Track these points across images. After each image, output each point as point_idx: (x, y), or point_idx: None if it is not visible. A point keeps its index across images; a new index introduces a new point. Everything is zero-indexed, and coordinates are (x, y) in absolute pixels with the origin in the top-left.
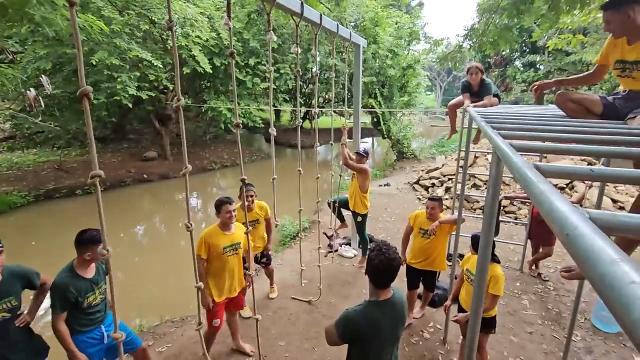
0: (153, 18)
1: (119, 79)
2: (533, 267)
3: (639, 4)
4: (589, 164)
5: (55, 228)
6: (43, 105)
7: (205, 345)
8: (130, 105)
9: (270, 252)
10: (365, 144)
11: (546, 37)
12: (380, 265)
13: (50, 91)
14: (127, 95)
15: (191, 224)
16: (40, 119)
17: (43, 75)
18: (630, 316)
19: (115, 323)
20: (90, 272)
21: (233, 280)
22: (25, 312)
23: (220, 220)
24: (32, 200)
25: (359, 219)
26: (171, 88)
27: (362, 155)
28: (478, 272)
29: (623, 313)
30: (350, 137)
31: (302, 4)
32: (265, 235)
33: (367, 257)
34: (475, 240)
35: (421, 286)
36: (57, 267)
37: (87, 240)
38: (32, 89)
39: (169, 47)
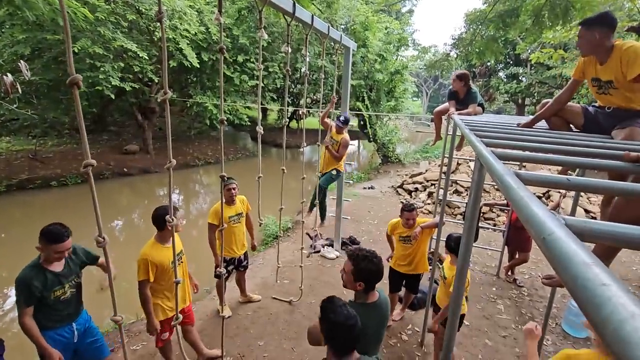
0: (140, 8)
1: (101, 69)
2: (509, 273)
3: (606, 27)
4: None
5: (26, 220)
6: (20, 92)
7: (166, 357)
8: (112, 96)
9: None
10: (351, 146)
11: (529, 50)
12: (371, 272)
13: (29, 77)
14: (109, 86)
15: (173, 219)
16: (16, 105)
17: (22, 61)
18: (600, 315)
19: (114, 304)
20: (58, 266)
21: (184, 292)
22: None
23: (159, 233)
24: (3, 190)
25: (335, 172)
26: (156, 80)
27: (345, 124)
28: (457, 274)
29: (593, 312)
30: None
31: (294, 3)
32: (247, 233)
33: (354, 262)
34: (449, 240)
35: (403, 288)
36: (27, 261)
37: (43, 236)
38: (8, 74)
39: (155, 39)
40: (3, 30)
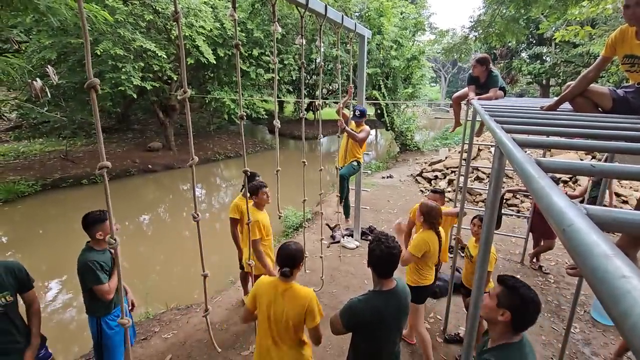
0: (157, 8)
1: (123, 69)
2: (534, 260)
3: None
4: (593, 157)
5: (61, 217)
6: (49, 96)
7: None
8: (134, 95)
9: None
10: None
11: (553, 28)
12: (382, 254)
13: (56, 81)
14: (131, 86)
15: (198, 214)
16: (46, 108)
17: (49, 66)
18: (619, 308)
19: (122, 305)
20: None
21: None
22: (28, 353)
23: (255, 202)
24: (39, 189)
25: (355, 163)
26: (175, 78)
27: (362, 117)
28: (479, 265)
29: (613, 305)
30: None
31: None
32: None
33: (368, 247)
34: (478, 217)
35: None
36: (63, 255)
37: (94, 221)
38: (37, 79)
39: (172, 37)
40: (30, 36)
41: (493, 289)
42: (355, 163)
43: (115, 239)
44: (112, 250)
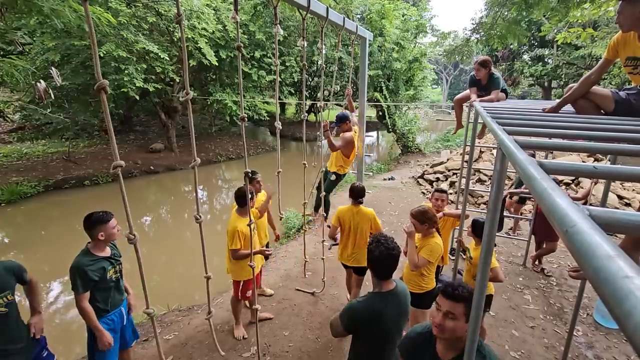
0: (160, 10)
1: (125, 71)
2: (536, 263)
3: None
4: (595, 160)
5: (64, 218)
6: (53, 97)
7: (235, 312)
8: (137, 97)
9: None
10: (370, 137)
11: (555, 30)
12: (380, 255)
13: (60, 83)
14: (133, 87)
15: (200, 216)
16: (49, 110)
17: (52, 67)
18: (622, 308)
19: (147, 298)
20: (106, 252)
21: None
22: (34, 319)
23: (240, 209)
24: (41, 190)
25: (333, 177)
26: (177, 80)
27: (343, 122)
28: (481, 266)
29: (615, 305)
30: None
31: None
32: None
33: (367, 249)
34: (475, 224)
35: None
36: (65, 256)
37: (96, 221)
38: (41, 80)
39: (175, 39)
40: (34, 38)
41: (436, 308)
42: (333, 177)
43: (134, 235)
44: (114, 259)
